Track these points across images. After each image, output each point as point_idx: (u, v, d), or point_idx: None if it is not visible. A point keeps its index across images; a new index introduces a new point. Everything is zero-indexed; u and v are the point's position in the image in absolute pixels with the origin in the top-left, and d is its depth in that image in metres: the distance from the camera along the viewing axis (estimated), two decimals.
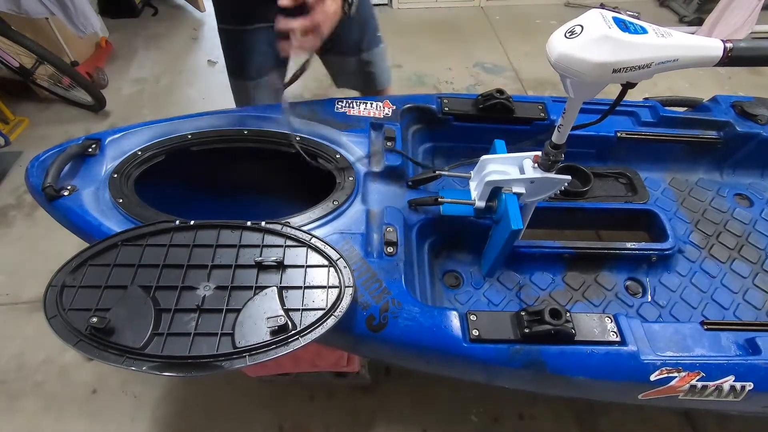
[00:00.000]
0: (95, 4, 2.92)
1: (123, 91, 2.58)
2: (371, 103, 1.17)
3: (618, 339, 0.78)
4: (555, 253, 1.06)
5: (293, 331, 0.69)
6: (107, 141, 1.02)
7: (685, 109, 1.33)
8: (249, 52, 1.23)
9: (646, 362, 0.76)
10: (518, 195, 0.87)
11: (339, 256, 0.80)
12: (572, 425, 1.34)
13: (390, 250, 0.88)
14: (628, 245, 1.06)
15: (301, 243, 0.82)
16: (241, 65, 1.27)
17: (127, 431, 1.33)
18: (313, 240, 0.82)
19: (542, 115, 1.19)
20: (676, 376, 0.76)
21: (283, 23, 0.87)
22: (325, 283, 0.77)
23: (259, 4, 1.12)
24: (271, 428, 1.33)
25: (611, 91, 0.65)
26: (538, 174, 0.85)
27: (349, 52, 1.31)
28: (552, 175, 0.85)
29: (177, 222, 0.82)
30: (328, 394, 1.39)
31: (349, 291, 0.76)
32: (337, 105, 1.16)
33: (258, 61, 1.26)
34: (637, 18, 0.61)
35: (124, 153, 1.01)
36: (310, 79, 1.51)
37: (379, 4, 3.35)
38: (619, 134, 1.21)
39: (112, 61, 2.76)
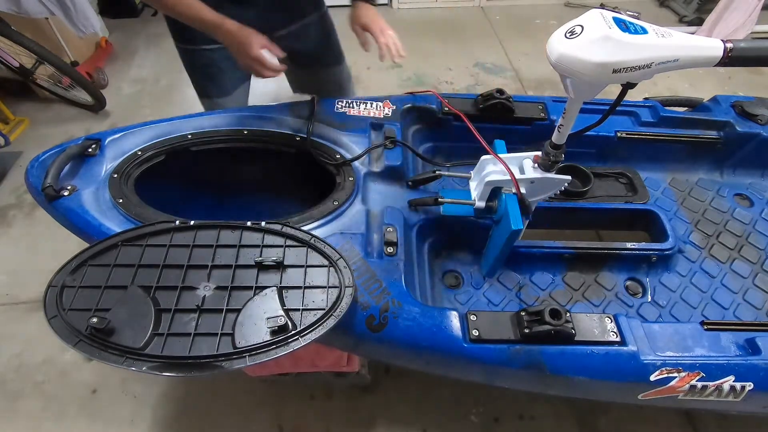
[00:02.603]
0: (95, 4, 2.91)
1: (123, 91, 2.58)
2: (371, 103, 1.17)
3: (618, 339, 0.78)
4: (555, 253, 1.06)
5: (293, 331, 0.69)
6: (107, 141, 1.02)
7: (685, 109, 1.33)
8: (218, 71, 1.23)
9: (646, 362, 0.76)
10: None
11: (339, 256, 0.80)
12: (572, 425, 1.33)
13: (390, 250, 0.88)
14: (628, 245, 1.06)
15: (301, 243, 0.82)
16: (210, 85, 1.27)
17: (127, 431, 1.33)
18: (313, 240, 0.82)
19: (542, 115, 1.19)
20: (676, 377, 0.76)
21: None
22: (325, 283, 0.77)
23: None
24: (271, 428, 1.33)
25: (611, 91, 0.65)
26: (538, 174, 0.85)
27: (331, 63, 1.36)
28: (552, 175, 0.85)
29: (177, 222, 0.82)
30: (328, 394, 1.39)
31: (349, 291, 0.75)
32: (337, 105, 1.16)
33: (227, 78, 1.25)
34: (637, 18, 0.61)
35: (124, 153, 1.01)
36: None
37: (380, 4, 3.34)
38: (619, 134, 1.21)
39: (112, 61, 2.75)
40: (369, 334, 0.79)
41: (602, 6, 3.21)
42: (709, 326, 0.82)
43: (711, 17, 2.76)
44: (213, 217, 0.84)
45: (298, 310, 0.72)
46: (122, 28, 3.04)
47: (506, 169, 0.85)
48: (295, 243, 0.82)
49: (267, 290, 0.74)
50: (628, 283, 1.07)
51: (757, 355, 0.78)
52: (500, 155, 0.89)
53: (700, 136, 1.23)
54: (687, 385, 0.76)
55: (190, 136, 1.05)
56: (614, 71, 0.59)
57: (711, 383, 0.76)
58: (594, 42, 0.58)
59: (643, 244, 1.07)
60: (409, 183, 1.05)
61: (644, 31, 0.59)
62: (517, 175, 0.86)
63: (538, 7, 3.36)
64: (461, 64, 2.78)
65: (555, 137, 0.78)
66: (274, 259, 0.78)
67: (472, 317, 0.80)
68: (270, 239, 0.82)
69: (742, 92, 2.53)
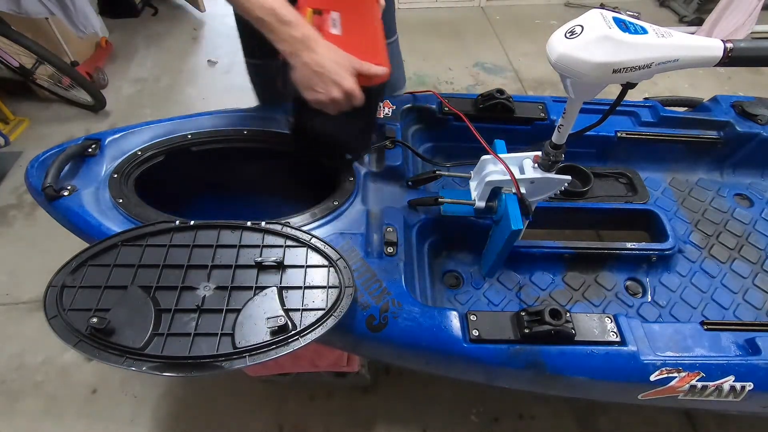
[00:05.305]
0: (95, 4, 2.91)
1: (123, 91, 2.58)
2: None
3: (618, 339, 0.78)
4: (555, 253, 1.06)
5: (293, 331, 0.69)
6: (107, 141, 1.02)
7: (685, 109, 1.33)
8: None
9: (646, 362, 0.76)
10: None
11: (339, 256, 0.80)
12: (572, 425, 1.33)
13: (390, 250, 0.88)
14: (628, 245, 1.06)
15: (301, 243, 0.82)
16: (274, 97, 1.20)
17: (127, 431, 1.33)
18: (313, 240, 0.82)
19: (542, 115, 1.19)
20: (676, 377, 0.76)
21: None
22: (325, 284, 0.76)
23: None
24: (271, 428, 1.33)
25: (611, 91, 0.65)
26: (538, 174, 0.85)
27: None
28: (552, 175, 0.85)
29: (177, 222, 0.82)
30: (328, 394, 1.39)
31: (349, 291, 0.75)
32: None
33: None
34: (637, 18, 0.61)
35: (124, 153, 1.01)
36: None
37: None
38: (619, 134, 1.21)
39: (112, 61, 2.75)
40: (369, 334, 0.79)
41: (602, 6, 3.21)
42: (709, 326, 0.81)
43: (711, 17, 2.76)
44: (213, 217, 0.84)
45: (298, 310, 0.72)
46: (122, 28, 3.04)
47: (506, 169, 0.86)
48: (295, 243, 0.82)
49: (267, 290, 0.74)
50: (628, 283, 1.07)
51: (757, 355, 0.78)
52: (500, 155, 0.89)
53: (700, 136, 1.23)
54: (687, 385, 0.76)
55: (190, 136, 1.05)
56: (614, 71, 0.59)
57: (711, 383, 0.76)
58: (594, 42, 0.58)
59: (643, 244, 1.07)
60: (409, 183, 1.05)
61: (644, 31, 0.59)
62: (517, 175, 0.86)
63: (538, 7, 3.36)
64: (461, 64, 2.78)
65: (555, 137, 0.78)
66: (274, 259, 0.78)
67: (472, 317, 0.80)
68: (270, 239, 0.82)
69: (742, 92, 2.53)
